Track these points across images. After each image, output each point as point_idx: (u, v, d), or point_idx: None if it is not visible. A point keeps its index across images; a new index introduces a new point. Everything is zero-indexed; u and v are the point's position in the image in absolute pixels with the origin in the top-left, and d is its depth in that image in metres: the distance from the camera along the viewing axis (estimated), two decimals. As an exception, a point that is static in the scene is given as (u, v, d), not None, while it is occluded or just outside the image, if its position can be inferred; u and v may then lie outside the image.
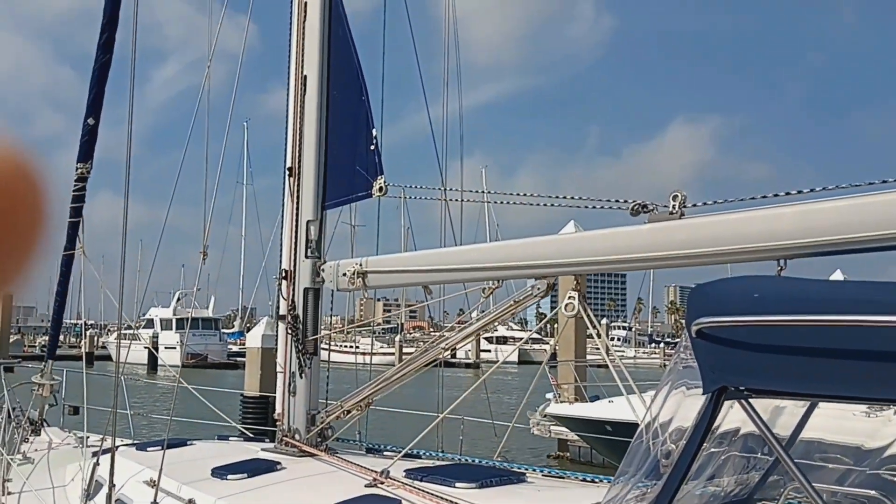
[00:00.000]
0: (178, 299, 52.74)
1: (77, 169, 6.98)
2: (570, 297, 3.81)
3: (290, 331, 5.22)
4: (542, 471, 4.72)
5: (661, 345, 70.40)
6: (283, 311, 5.36)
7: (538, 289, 4.06)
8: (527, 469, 4.56)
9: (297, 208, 5.39)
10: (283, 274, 5.36)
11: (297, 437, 5.20)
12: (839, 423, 3.10)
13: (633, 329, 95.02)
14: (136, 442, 6.16)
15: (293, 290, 5.28)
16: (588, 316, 3.82)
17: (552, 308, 4.39)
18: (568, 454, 16.64)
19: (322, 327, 5.54)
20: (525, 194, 4.37)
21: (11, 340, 50.92)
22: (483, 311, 4.75)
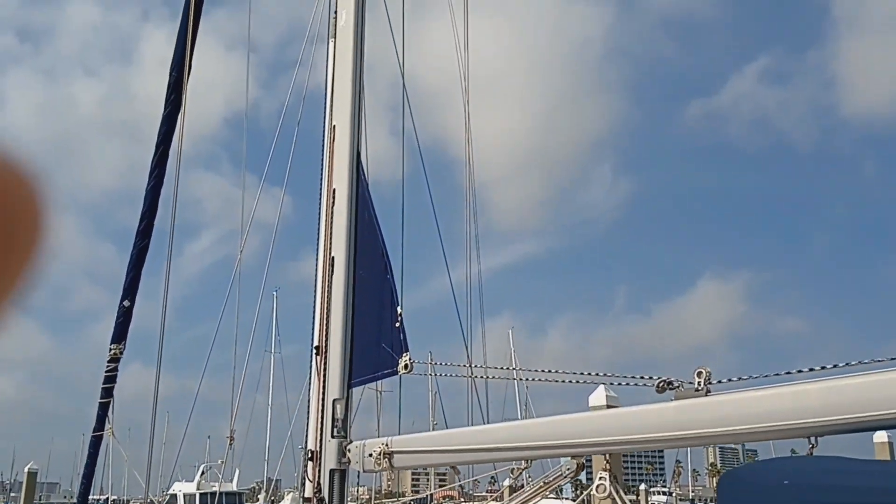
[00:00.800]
0: (203, 472, 51.48)
1: (111, 350, 7.09)
2: (601, 479, 3.73)
3: (315, 515, 5.11)
4: None
5: (705, 511, 66.73)
6: (308, 493, 5.26)
7: (568, 468, 3.98)
8: None
9: (324, 386, 5.42)
10: (309, 454, 5.31)
11: None
12: None
13: (674, 494, 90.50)
14: None
15: (319, 471, 5.21)
16: (620, 498, 3.72)
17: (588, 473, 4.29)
18: None
19: (349, 499, 5.41)
20: (550, 371, 4.39)
21: (32, 519, 49.62)
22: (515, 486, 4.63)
